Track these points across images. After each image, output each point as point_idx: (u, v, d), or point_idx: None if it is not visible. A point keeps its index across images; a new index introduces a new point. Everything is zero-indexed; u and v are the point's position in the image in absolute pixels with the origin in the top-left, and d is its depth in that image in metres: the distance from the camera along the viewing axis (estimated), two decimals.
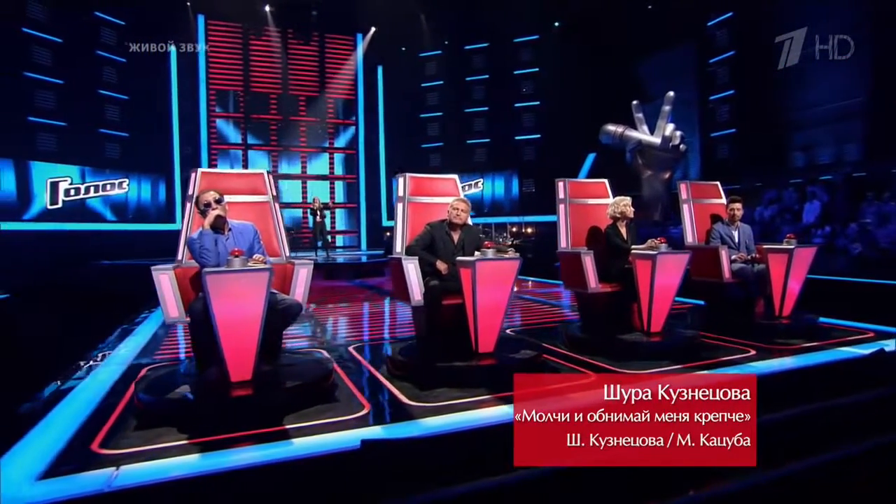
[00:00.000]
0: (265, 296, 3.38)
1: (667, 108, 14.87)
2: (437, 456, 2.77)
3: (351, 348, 5.05)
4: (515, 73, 18.75)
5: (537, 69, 18.53)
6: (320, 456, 2.74)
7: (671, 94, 14.77)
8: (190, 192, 4.17)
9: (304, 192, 19.21)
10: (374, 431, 3.06)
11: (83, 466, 2.68)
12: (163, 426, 3.15)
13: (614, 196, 5.43)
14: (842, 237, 10.63)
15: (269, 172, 4.47)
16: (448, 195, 4.88)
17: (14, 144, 14.62)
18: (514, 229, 17.90)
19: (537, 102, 18.65)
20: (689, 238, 5.92)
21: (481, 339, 4.00)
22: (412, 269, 4.23)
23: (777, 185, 12.91)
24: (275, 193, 4.43)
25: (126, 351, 5.20)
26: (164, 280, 3.61)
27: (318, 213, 13.75)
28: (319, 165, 19.66)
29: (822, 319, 5.57)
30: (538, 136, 18.70)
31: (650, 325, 4.67)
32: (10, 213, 14.29)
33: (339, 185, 19.74)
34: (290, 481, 2.62)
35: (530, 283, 10.44)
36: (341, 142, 19.90)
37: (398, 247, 4.56)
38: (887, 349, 4.23)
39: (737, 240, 5.78)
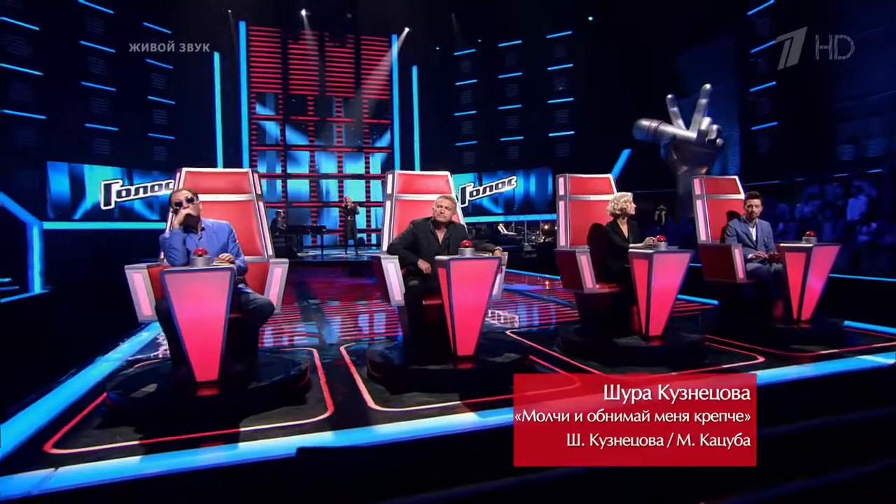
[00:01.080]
0: (227, 296, 3.26)
1: (703, 101, 14.16)
2: (379, 466, 2.58)
3: (343, 348, 4.91)
4: (549, 69, 18.28)
5: (571, 65, 18.01)
6: (256, 462, 2.59)
7: (707, 86, 14.06)
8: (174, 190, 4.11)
9: (341, 191, 19.33)
10: (320, 438, 2.89)
11: (26, 466, 2.62)
12: (125, 426, 3.08)
13: (618, 192, 5.09)
14: (889, 234, 9.79)
15: (254, 171, 4.36)
16: (440, 193, 4.66)
17: (71, 149, 15.26)
18: (546, 227, 17.49)
19: (571, 99, 18.13)
20: (703, 236, 5.51)
21: (459, 341, 3.77)
22: (392, 268, 4.04)
23: (820, 180, 12.04)
24: (259, 192, 4.33)
25: (129, 347, 5.23)
26: (138, 279, 3.55)
27: (350, 212, 13.76)
28: (356, 165, 19.75)
29: (848, 324, 5.07)
30: (572, 132, 18.18)
31: (648, 329, 4.32)
32: (64, 213, 14.95)
33: (374, 185, 19.77)
34: (223, 488, 2.48)
35: (548, 282, 10.08)
36: (377, 141, 19.92)
37: (384, 246, 4.38)
38: None
39: (754, 238, 5.33)
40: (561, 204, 5.07)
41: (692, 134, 14.13)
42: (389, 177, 4.64)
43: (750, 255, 5.19)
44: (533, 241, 17.24)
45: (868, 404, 3.41)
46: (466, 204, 19.73)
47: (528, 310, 7.35)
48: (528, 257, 14.49)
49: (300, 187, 19.17)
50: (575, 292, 4.83)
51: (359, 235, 14.87)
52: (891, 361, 3.91)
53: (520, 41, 18.72)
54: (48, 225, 14.16)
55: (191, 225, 3.66)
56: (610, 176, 5.29)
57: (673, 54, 16.35)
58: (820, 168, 12.74)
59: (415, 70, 19.91)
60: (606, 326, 4.63)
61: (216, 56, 17.99)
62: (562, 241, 4.98)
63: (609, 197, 5.07)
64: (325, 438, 2.87)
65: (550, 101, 18.36)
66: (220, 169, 4.25)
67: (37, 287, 10.88)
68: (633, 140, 15.56)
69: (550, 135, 18.46)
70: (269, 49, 18.61)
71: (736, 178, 5.84)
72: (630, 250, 4.41)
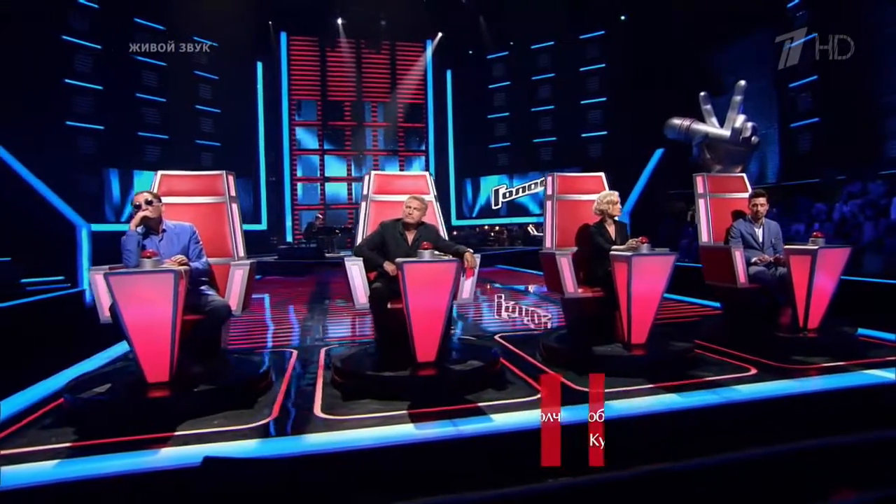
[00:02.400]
0: (172, 297, 3.14)
1: (737, 98, 13.28)
2: (283, 479, 2.38)
3: (324, 350, 4.74)
4: (581, 70, 17.69)
5: (604, 65, 17.36)
6: (163, 471, 2.43)
7: (742, 83, 13.18)
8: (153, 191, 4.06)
9: None
10: (237, 446, 2.70)
11: None
12: (70, 426, 3.01)
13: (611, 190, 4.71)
14: None
15: (228, 173, 4.25)
16: (418, 194, 4.43)
17: (126, 156, 15.87)
18: None
19: (604, 99, 17.48)
20: (705, 237, 5.05)
21: (419, 347, 3.52)
22: (356, 270, 3.85)
23: (862, 178, 11.07)
24: (232, 194, 4.21)
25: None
26: (98, 280, 3.48)
27: None
28: (391, 168, 19.74)
29: (865, 333, 4.52)
30: (605, 132, 17.53)
31: (630, 336, 3.94)
32: (118, 215, 15.57)
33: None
34: (123, 497, 2.33)
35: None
36: (412, 145, 19.85)
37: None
38: None
39: (761, 239, 4.84)
40: (548, 203, 4.74)
41: (726, 132, 13.29)
42: (367, 177, 4.44)
43: (754, 259, 4.71)
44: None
45: (862, 426, 2.97)
46: (500, 205, 19.38)
47: (532, 313, 7.00)
48: None
49: (338, 190, 19.31)
50: (560, 297, 4.50)
51: None
52: (893, 377, 3.40)
53: (552, 42, 18.21)
54: (107, 227, 14.79)
55: (151, 227, 3.57)
56: (601, 175, 4.91)
57: (707, 51, 15.48)
58: (864, 165, 11.72)
59: (449, 74, 19.72)
60: (591, 333, 4.27)
61: (259, 65, 18.34)
62: (547, 242, 4.66)
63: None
64: (241, 447, 2.69)
65: (583, 102, 17.77)
66: (195, 172, 4.14)
67: (85, 283, 11.32)
68: (667, 139, 14.81)
69: (583, 135, 17.87)
70: (308, 57, 18.84)
71: (744, 175, 5.34)
72: (611, 253, 4.04)
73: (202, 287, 3.67)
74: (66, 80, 14.64)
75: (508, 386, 3.58)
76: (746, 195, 5.12)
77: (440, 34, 18.88)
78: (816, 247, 4.22)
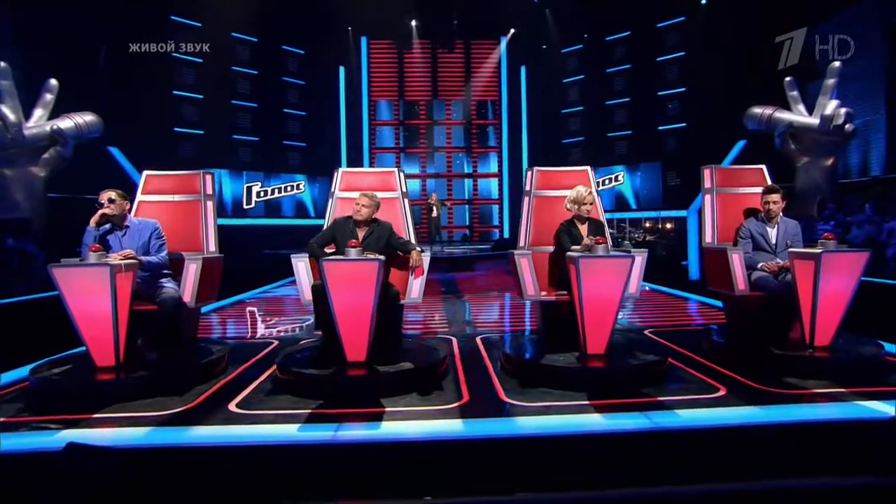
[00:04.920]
0: (109, 288, 3.25)
1: (830, 81, 11.56)
2: (141, 470, 2.35)
3: (303, 343, 4.73)
4: (658, 59, 16.37)
5: (683, 53, 15.92)
6: (29, 453, 2.49)
7: (836, 64, 11.45)
8: (137, 193, 4.30)
9: (449, 190, 19.33)
10: (112, 434, 2.73)
11: None
12: (20, 403, 3.23)
13: (599, 187, 4.26)
14: None
15: (206, 172, 4.35)
16: (388, 190, 4.29)
17: (222, 158, 17.14)
18: (648, 224, 15.78)
19: (683, 89, 16.05)
20: (709, 237, 4.43)
21: (347, 345, 3.38)
22: (302, 267, 3.78)
23: None
24: (208, 192, 4.31)
25: None
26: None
27: (435, 208, 13.64)
28: (464, 164, 19.61)
29: (891, 349, 3.72)
30: (683, 124, 16.11)
31: (586, 345, 3.52)
32: (223, 212, 16.88)
33: (482, 183, 19.46)
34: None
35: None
36: (485, 141, 19.58)
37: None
38: None
39: (773, 240, 4.14)
40: (525, 200, 4.38)
41: (814, 120, 11.64)
42: (336, 175, 4.36)
43: (760, 264, 4.02)
44: (635, 239, 15.62)
45: (831, 467, 2.42)
46: None
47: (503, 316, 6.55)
48: None
49: (412, 186, 19.52)
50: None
51: (443, 232, 14.67)
52: (889, 410, 2.72)
53: (628, 32, 17.03)
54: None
55: (115, 222, 3.74)
56: (588, 168, 4.45)
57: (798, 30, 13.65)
58: None
59: (523, 70, 19.17)
60: (552, 340, 3.88)
61: (341, 69, 18.98)
62: (521, 240, 4.30)
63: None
64: (116, 434, 2.71)
65: (660, 93, 16.44)
66: (175, 172, 4.29)
67: None
68: (749, 131, 13.31)
69: (660, 128, 16.55)
70: (386, 60, 19.18)
71: (763, 167, 4.58)
72: (567, 253, 3.63)
73: (162, 280, 3.79)
74: (174, 92, 16.09)
75: (430, 393, 3.32)
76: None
77: (512, 30, 18.37)
78: (821, 250, 3.50)
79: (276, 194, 18.03)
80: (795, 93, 12.19)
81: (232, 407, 3.13)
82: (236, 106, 17.42)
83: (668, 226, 15.46)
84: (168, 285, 3.75)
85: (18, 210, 10.48)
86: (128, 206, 3.82)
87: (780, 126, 12.21)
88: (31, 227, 8.98)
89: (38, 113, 10.81)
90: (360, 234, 3.86)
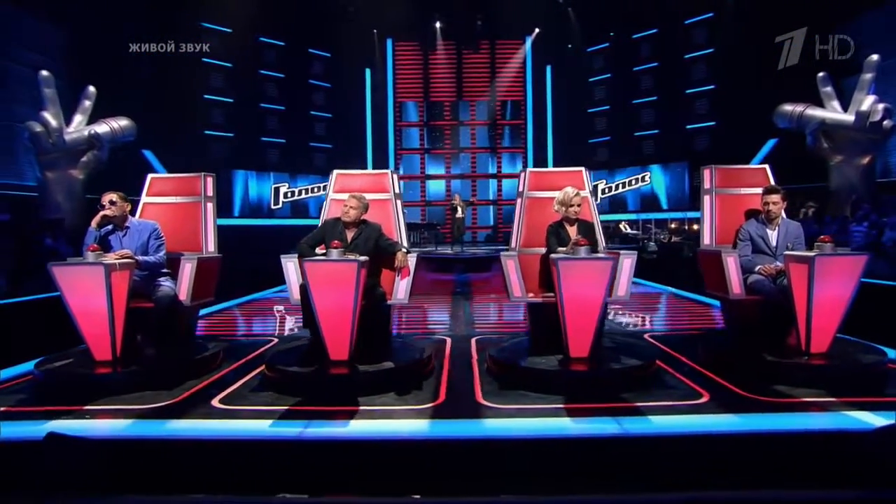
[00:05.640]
0: (104, 287, 3.40)
1: (867, 76, 11.12)
2: (113, 461, 2.45)
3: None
4: (686, 57, 15.97)
5: (711, 50, 15.50)
6: (14, 442, 2.62)
7: (874, 57, 11.01)
8: (141, 194, 4.47)
9: (474, 190, 19.31)
10: (96, 425, 2.84)
11: None
12: (22, 395, 3.40)
13: (597, 190, 4.21)
14: None
15: (207, 175, 4.47)
16: (381, 192, 4.34)
17: (250, 159, 17.57)
18: (674, 225, 15.41)
19: (711, 87, 15.63)
20: (707, 239, 4.32)
21: (329, 344, 3.44)
22: (291, 267, 3.85)
23: None
24: (209, 194, 4.44)
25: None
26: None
27: (459, 209, 13.66)
28: (489, 165, 19.56)
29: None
30: (712, 123, 15.68)
31: (568, 349, 3.47)
32: (251, 212, 17.32)
33: (506, 183, 19.38)
34: None
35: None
36: (510, 141, 19.49)
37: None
38: None
39: (774, 242, 4.01)
40: (518, 201, 4.35)
41: (849, 117, 11.20)
42: (331, 177, 4.42)
43: (758, 268, 3.90)
44: (660, 240, 15.26)
45: (811, 479, 2.35)
46: (599, 201, 18.29)
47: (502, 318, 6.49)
48: (648, 258, 12.84)
49: (437, 187, 19.59)
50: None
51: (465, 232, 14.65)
52: (881, 422, 2.59)
53: (655, 30, 16.68)
54: (234, 221, 16.55)
55: (116, 223, 3.90)
56: (582, 169, 4.38)
57: (832, 27, 13.10)
58: None
59: (548, 69, 19.00)
60: (544, 342, 3.84)
61: (367, 71, 19.19)
62: (513, 241, 4.28)
63: (581, 194, 4.20)
64: (95, 425, 2.82)
65: (688, 91, 16.05)
66: (178, 175, 4.44)
67: None
68: (780, 129, 12.85)
69: (688, 127, 16.16)
70: (411, 61, 19.30)
71: (766, 167, 4.43)
72: (550, 255, 3.59)
73: (160, 278, 3.93)
74: (205, 96, 16.58)
75: (409, 392, 3.34)
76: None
77: (537, 30, 18.23)
78: (815, 253, 3.37)
79: (303, 195, 18.38)
80: (829, 88, 11.75)
81: (215, 402, 3.22)
82: (264, 109, 17.83)
83: (696, 227, 15.05)
84: (165, 284, 3.88)
85: (59, 210, 11.04)
86: (128, 208, 3.97)
87: (813, 123, 11.80)
88: (64, 227, 9.40)
89: (78, 119, 11.38)
90: (350, 235, 3.91)
